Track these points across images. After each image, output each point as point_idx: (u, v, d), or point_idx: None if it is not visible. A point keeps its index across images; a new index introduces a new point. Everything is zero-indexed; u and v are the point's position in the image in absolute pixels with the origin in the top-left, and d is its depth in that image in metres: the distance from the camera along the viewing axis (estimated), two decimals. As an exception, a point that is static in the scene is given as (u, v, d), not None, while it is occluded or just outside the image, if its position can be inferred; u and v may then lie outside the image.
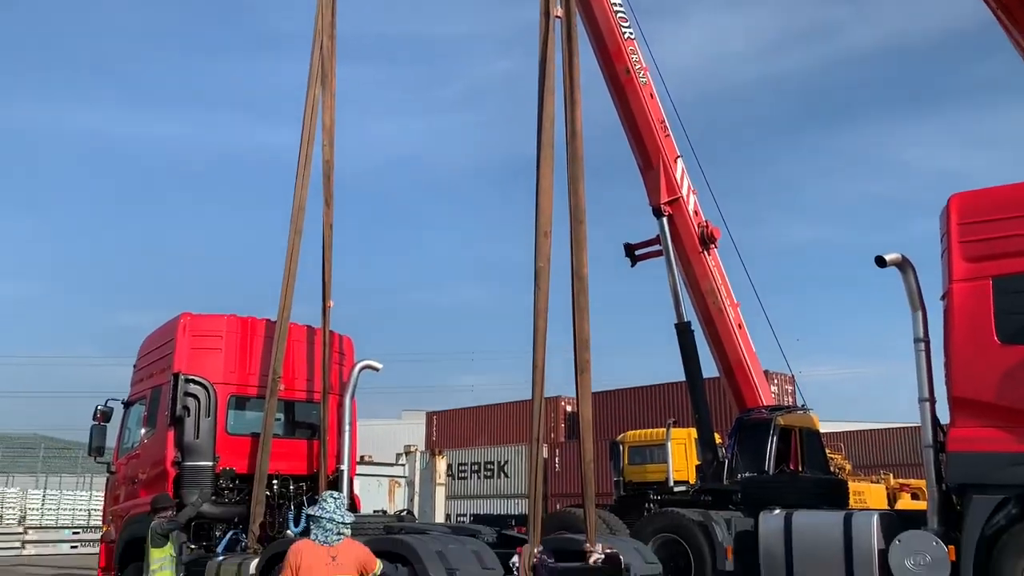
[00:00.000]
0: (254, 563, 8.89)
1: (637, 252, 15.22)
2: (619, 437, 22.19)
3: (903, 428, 29.91)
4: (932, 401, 8.79)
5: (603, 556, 7.81)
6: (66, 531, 38.89)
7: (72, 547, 37.10)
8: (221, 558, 9.75)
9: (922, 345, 8.87)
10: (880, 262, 8.90)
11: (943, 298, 8.78)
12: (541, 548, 7.55)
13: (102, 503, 41.18)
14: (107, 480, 12.81)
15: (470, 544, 7.47)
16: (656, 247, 14.72)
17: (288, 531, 10.10)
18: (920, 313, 8.96)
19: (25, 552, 35.70)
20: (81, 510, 43.25)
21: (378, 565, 6.59)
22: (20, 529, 38.03)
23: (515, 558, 7.40)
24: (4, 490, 43.58)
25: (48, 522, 40.62)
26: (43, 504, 42.42)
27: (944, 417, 8.71)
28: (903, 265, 9.00)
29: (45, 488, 47.87)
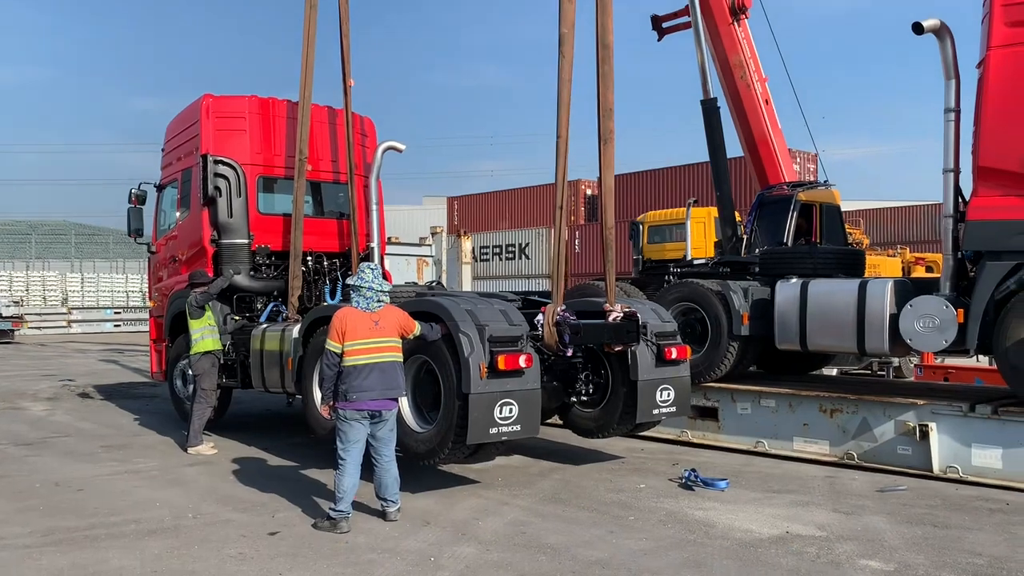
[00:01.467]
0: (296, 328, 9.45)
1: (664, 24, 14.73)
2: (639, 217, 22.52)
3: (921, 206, 30.05)
4: (956, 172, 8.82)
5: (621, 315, 8.27)
6: (107, 311, 40.85)
7: (115, 325, 39.18)
8: (264, 326, 10.36)
9: (952, 115, 8.77)
10: (917, 28, 8.61)
11: (979, 66, 8.58)
12: (564, 307, 8.00)
13: (138, 285, 43.01)
14: (148, 260, 13.38)
15: (497, 304, 7.86)
16: (684, 19, 14.21)
17: (326, 303, 10.65)
18: (954, 82, 8.78)
19: (72, 330, 37.78)
20: (119, 292, 45.13)
21: (417, 327, 7.11)
22: (64, 310, 39.98)
23: (539, 316, 7.86)
24: (44, 274, 45.27)
25: (89, 303, 42.52)
26: (82, 287, 44.19)
27: (967, 190, 8.79)
28: (940, 32, 8.72)
29: (81, 272, 49.67)
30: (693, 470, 8.33)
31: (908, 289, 9.09)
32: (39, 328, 36.47)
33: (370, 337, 6.72)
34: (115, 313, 40.53)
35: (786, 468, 9.10)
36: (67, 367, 21.63)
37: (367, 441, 6.82)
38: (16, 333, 32.35)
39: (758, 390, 10.03)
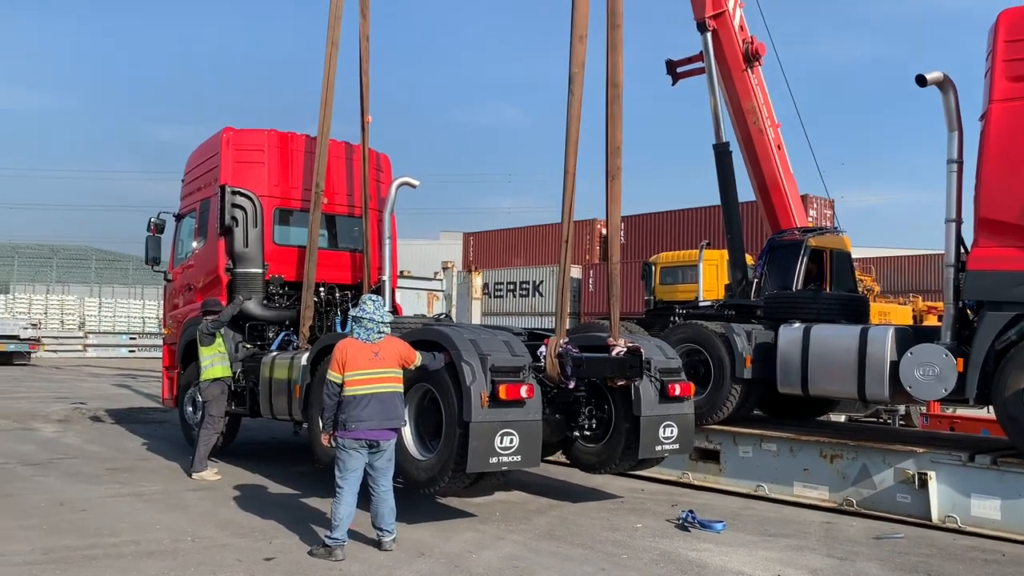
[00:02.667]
0: (305, 356, 9.59)
1: (679, 69, 14.91)
2: (651, 258, 22.64)
3: (934, 255, 29.97)
4: (959, 222, 8.91)
5: (625, 349, 8.36)
6: (123, 336, 41.24)
7: (130, 351, 39.52)
8: (274, 354, 10.53)
9: (954, 166, 8.89)
10: (920, 81, 8.76)
11: (981, 118, 8.70)
12: (567, 339, 8.10)
13: (154, 311, 43.32)
14: (164, 288, 13.62)
15: (501, 335, 7.97)
16: (699, 64, 14.40)
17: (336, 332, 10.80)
18: (956, 134, 8.90)
19: (87, 354, 38.14)
20: (135, 318, 45.59)
21: (417, 357, 7.21)
22: (81, 334, 40.41)
23: (542, 348, 7.96)
24: (63, 297, 45.82)
25: (106, 328, 42.95)
26: (100, 311, 44.68)
27: (969, 239, 8.86)
28: (943, 84, 8.86)
29: (100, 297, 50.21)
30: (691, 511, 8.34)
31: (909, 336, 9.14)
32: (55, 351, 36.88)
33: (370, 368, 6.86)
34: (130, 339, 40.92)
35: (784, 512, 9.09)
36: (80, 390, 21.85)
37: (365, 471, 6.92)
38: (33, 355, 32.72)
39: (760, 433, 10.05)
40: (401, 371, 7.09)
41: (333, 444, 7.01)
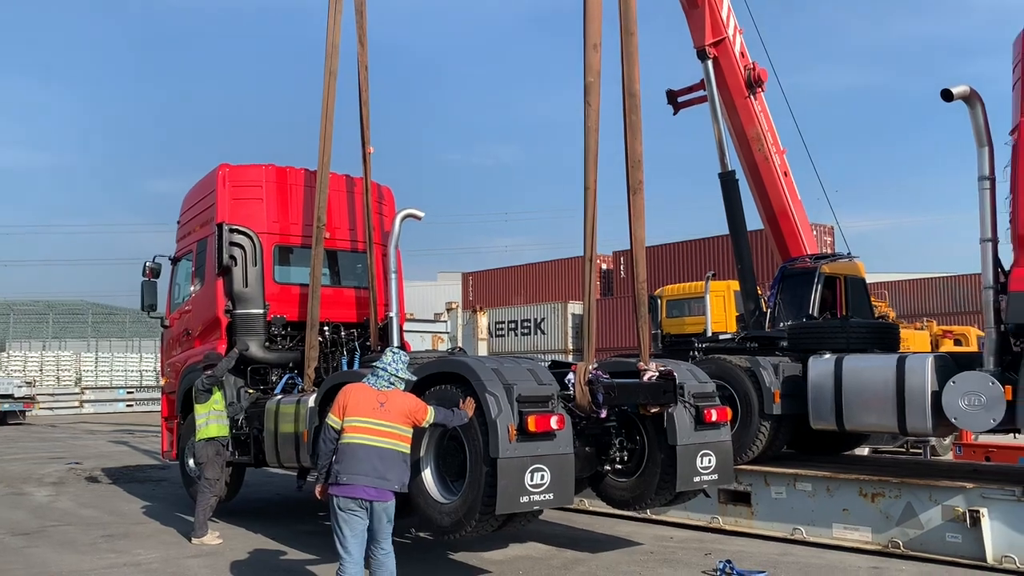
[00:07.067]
0: (312, 397, 9.10)
1: (680, 99, 14.60)
2: (656, 291, 22.19)
3: (942, 278, 29.65)
4: (995, 241, 8.47)
5: (657, 373, 7.82)
6: (120, 391, 40.52)
7: (127, 405, 38.82)
8: (279, 397, 10.03)
9: (987, 183, 8.47)
10: (947, 96, 8.38)
11: (1012, 132, 8.32)
12: (596, 365, 7.55)
13: (151, 364, 42.52)
14: (162, 335, 13.11)
15: (525, 363, 7.42)
16: (700, 93, 14.10)
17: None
18: (987, 150, 8.51)
19: (84, 411, 37.42)
20: (132, 371, 44.86)
21: (429, 413, 6.49)
22: (78, 390, 39.70)
23: (570, 375, 7.37)
24: (59, 353, 45.15)
25: (103, 383, 42.22)
26: (96, 366, 43.96)
27: (1007, 259, 8.42)
28: (971, 99, 8.48)
29: (96, 352, 49.51)
30: (728, 561, 7.79)
31: (949, 364, 8.65)
32: (51, 408, 36.15)
33: (371, 417, 6.21)
34: (127, 393, 40.20)
35: (828, 558, 8.51)
36: (76, 449, 21.21)
37: None
38: (28, 414, 32.03)
39: (793, 472, 9.49)
40: (409, 430, 6.35)
41: (327, 500, 6.38)
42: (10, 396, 30.87)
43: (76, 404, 37.96)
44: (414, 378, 6.93)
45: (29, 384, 33.13)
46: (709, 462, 8.00)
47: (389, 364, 6.43)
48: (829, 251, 20.76)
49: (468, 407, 6.75)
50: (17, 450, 21.08)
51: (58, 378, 41.50)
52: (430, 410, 6.51)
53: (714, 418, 7.99)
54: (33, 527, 10.53)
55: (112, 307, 72.11)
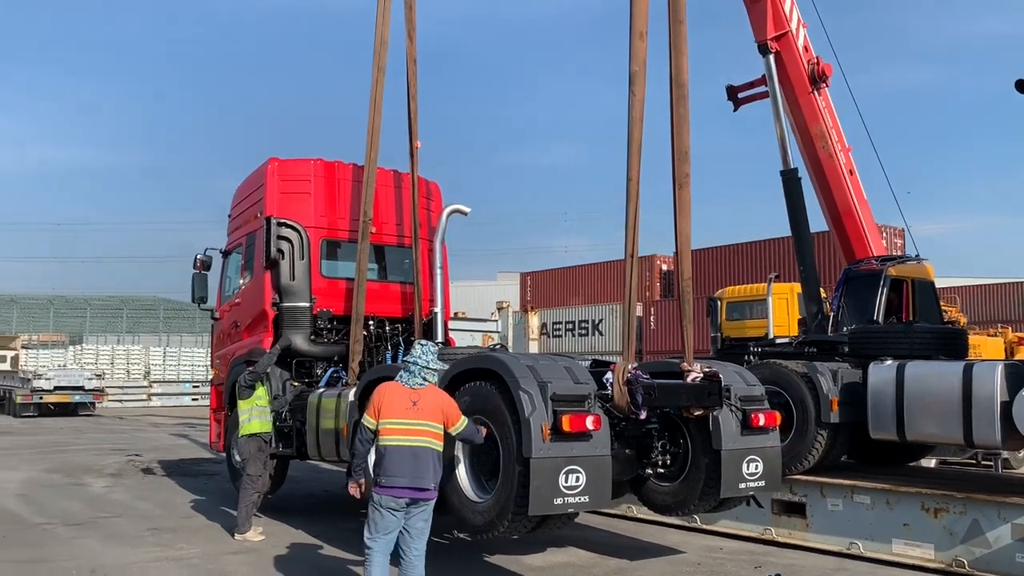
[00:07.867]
0: (352, 391, 9.05)
1: (740, 95, 14.18)
2: (717, 293, 21.66)
3: (1018, 282, 28.38)
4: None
5: (701, 375, 7.50)
6: (187, 385, 41.48)
7: (193, 399, 39.67)
8: (321, 390, 10.03)
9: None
10: (1020, 86, 7.87)
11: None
12: (635, 365, 7.28)
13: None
14: (212, 327, 13.23)
15: (562, 361, 7.19)
16: (762, 88, 13.67)
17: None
18: (1065, 144, 7.97)
19: (151, 404, 38.40)
20: (200, 366, 45.82)
21: (461, 421, 6.38)
22: (146, 383, 40.77)
23: (608, 374, 7.12)
24: (129, 348, 46.48)
25: (170, 377, 43.29)
26: (164, 360, 45.11)
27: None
28: (1048, 90, 7.95)
29: (166, 346, 50.86)
30: (779, 575, 7.42)
31: (1021, 373, 8.12)
32: (120, 401, 37.16)
33: (404, 418, 6.11)
34: (193, 387, 41.10)
35: (885, 575, 8.07)
36: (138, 441, 21.69)
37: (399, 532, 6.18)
38: (97, 406, 32.94)
39: (851, 484, 9.04)
40: (442, 427, 6.24)
41: (359, 496, 6.34)
42: (81, 388, 31.78)
43: (144, 397, 38.97)
44: (445, 367, 6.81)
45: (99, 376, 34.05)
46: (756, 468, 7.65)
47: (419, 357, 6.32)
48: (898, 253, 20.03)
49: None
50: (84, 441, 21.65)
51: (128, 371, 42.69)
52: (464, 419, 6.43)
53: (761, 422, 7.64)
54: (85, 518, 10.69)
55: (183, 303, 73.94)
